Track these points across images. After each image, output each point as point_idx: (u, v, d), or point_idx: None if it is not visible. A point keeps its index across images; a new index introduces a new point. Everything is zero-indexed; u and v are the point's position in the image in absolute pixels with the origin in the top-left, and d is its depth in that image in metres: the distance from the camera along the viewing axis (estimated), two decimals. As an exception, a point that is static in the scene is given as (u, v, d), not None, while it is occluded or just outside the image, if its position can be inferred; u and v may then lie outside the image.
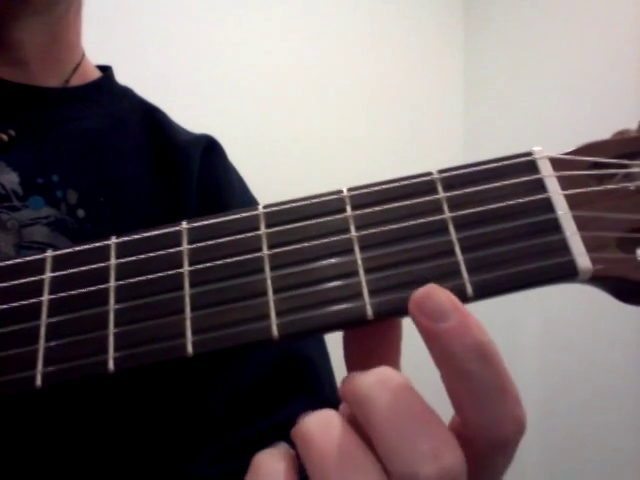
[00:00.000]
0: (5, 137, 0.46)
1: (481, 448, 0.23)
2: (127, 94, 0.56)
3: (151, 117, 0.55)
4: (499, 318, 1.79)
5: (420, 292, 0.23)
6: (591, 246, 0.25)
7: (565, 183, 0.26)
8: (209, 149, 0.55)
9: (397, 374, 0.23)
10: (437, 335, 0.23)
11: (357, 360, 0.27)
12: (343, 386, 0.24)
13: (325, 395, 0.48)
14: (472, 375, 0.22)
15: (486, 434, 0.23)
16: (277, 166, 1.71)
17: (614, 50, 1.63)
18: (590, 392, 1.63)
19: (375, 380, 0.23)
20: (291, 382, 0.47)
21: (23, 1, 0.45)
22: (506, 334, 1.80)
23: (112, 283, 0.26)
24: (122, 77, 0.57)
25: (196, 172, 0.52)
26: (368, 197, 0.27)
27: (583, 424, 1.64)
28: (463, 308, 0.23)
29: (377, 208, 0.26)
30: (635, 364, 1.54)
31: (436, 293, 0.23)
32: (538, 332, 1.78)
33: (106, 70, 0.56)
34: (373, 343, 0.26)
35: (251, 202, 0.56)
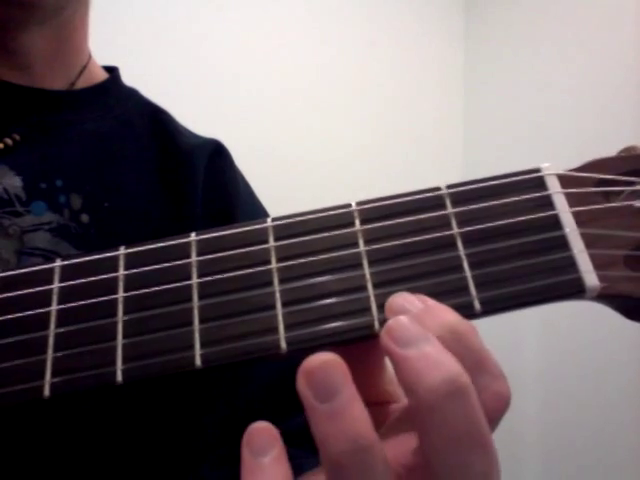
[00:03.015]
0: (10, 141, 0.46)
1: None
2: (133, 96, 0.56)
3: (157, 119, 0.54)
4: (499, 320, 1.79)
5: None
6: (598, 264, 0.25)
7: (573, 200, 0.26)
8: (216, 154, 0.54)
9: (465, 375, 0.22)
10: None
11: None
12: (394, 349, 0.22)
13: None
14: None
15: None
16: (277, 167, 1.71)
17: (616, 51, 1.63)
18: (591, 395, 1.64)
19: (445, 388, 0.21)
20: (296, 394, 0.47)
21: (30, 7, 0.45)
22: (506, 336, 1.81)
23: (121, 294, 0.26)
24: (125, 79, 0.57)
25: (202, 177, 0.52)
26: (377, 211, 0.27)
27: (584, 426, 1.65)
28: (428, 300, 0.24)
29: (386, 222, 0.26)
30: (636, 366, 1.54)
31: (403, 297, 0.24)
32: (538, 334, 1.79)
33: (113, 71, 0.56)
34: (359, 358, 0.26)
35: (257, 208, 0.56)
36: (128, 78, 0.56)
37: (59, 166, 0.47)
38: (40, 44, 0.48)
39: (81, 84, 0.52)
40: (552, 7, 1.84)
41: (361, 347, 0.26)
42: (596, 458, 1.61)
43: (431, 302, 0.24)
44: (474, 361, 0.23)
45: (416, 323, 0.22)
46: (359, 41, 1.94)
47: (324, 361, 0.22)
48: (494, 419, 0.23)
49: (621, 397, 1.57)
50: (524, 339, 1.82)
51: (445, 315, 0.23)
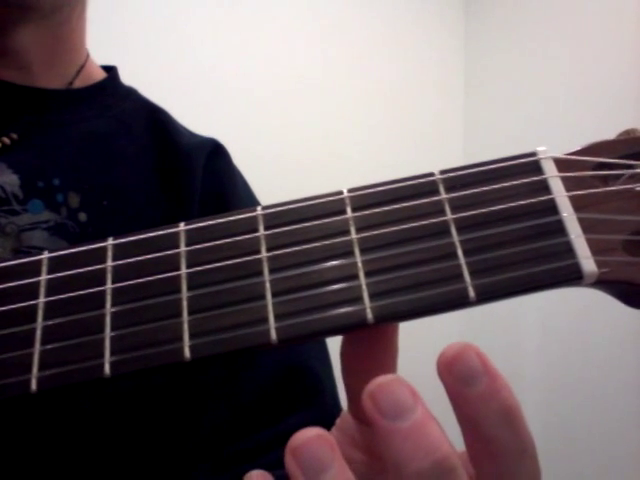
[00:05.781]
0: (7, 140, 0.46)
1: None
2: (131, 95, 0.56)
3: (155, 119, 0.54)
4: (499, 318, 1.79)
5: (450, 351, 0.22)
6: (596, 249, 0.24)
7: (570, 184, 0.25)
8: (214, 153, 0.54)
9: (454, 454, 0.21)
10: (465, 399, 0.22)
11: (353, 362, 0.26)
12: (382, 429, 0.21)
13: (327, 407, 0.47)
14: (495, 438, 0.22)
15: None
16: (278, 168, 1.71)
17: (615, 48, 1.63)
18: (591, 395, 1.63)
19: (433, 472, 0.21)
20: (293, 394, 0.47)
21: (27, 8, 0.45)
22: (506, 336, 1.79)
23: (109, 285, 0.26)
24: (123, 78, 0.56)
25: (200, 177, 0.51)
26: (369, 198, 0.26)
27: (584, 426, 1.63)
28: (493, 370, 0.22)
29: (378, 209, 0.26)
30: (636, 364, 1.53)
31: (466, 353, 0.22)
32: (538, 332, 1.78)
33: (111, 70, 0.56)
34: (370, 345, 0.26)
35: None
36: (127, 77, 0.56)
37: (57, 165, 0.47)
38: (38, 43, 0.48)
39: (79, 83, 0.52)
40: (551, 5, 1.83)
41: (368, 333, 0.26)
42: (596, 458, 1.59)
43: (493, 369, 0.22)
44: (520, 447, 0.22)
45: (404, 388, 0.21)
46: (359, 41, 1.94)
47: (309, 438, 0.21)
48: None
49: (621, 397, 1.55)
50: (524, 339, 1.81)
51: (505, 395, 0.21)
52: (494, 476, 0.22)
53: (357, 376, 0.26)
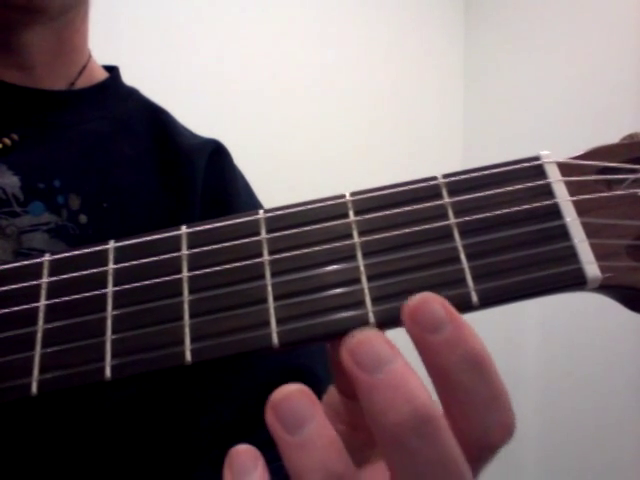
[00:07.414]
0: (8, 141, 0.46)
1: (469, 452, 0.23)
2: (133, 95, 0.56)
3: (157, 119, 0.54)
4: (499, 318, 1.79)
5: (413, 301, 0.22)
6: (600, 254, 0.24)
7: (573, 189, 0.25)
8: (215, 154, 0.54)
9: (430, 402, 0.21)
10: (430, 347, 0.22)
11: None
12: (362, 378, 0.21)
13: None
14: (464, 386, 0.22)
15: (475, 441, 0.22)
16: (278, 169, 1.70)
17: (616, 49, 1.63)
18: (590, 395, 1.63)
19: (414, 422, 0.21)
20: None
21: (33, 11, 0.44)
22: (506, 336, 1.79)
23: (110, 288, 0.26)
24: (125, 79, 0.56)
25: (201, 178, 0.51)
26: (371, 202, 0.26)
27: (583, 425, 1.64)
28: (458, 318, 0.22)
29: (380, 213, 0.26)
30: (636, 364, 1.53)
31: (430, 302, 0.22)
32: (538, 332, 1.78)
33: (113, 71, 0.55)
34: None
35: (257, 208, 0.55)
36: (128, 77, 0.56)
37: (57, 166, 0.47)
38: (42, 45, 0.48)
39: (81, 84, 0.51)
40: (551, 5, 1.83)
41: None
42: (596, 457, 1.59)
43: (458, 318, 0.22)
44: (490, 395, 0.22)
45: (382, 341, 0.21)
46: (359, 41, 1.94)
47: (290, 392, 0.22)
48: (497, 448, 0.23)
49: (621, 397, 1.55)
50: (524, 339, 1.81)
51: (471, 342, 0.22)
52: (467, 427, 0.22)
53: None
